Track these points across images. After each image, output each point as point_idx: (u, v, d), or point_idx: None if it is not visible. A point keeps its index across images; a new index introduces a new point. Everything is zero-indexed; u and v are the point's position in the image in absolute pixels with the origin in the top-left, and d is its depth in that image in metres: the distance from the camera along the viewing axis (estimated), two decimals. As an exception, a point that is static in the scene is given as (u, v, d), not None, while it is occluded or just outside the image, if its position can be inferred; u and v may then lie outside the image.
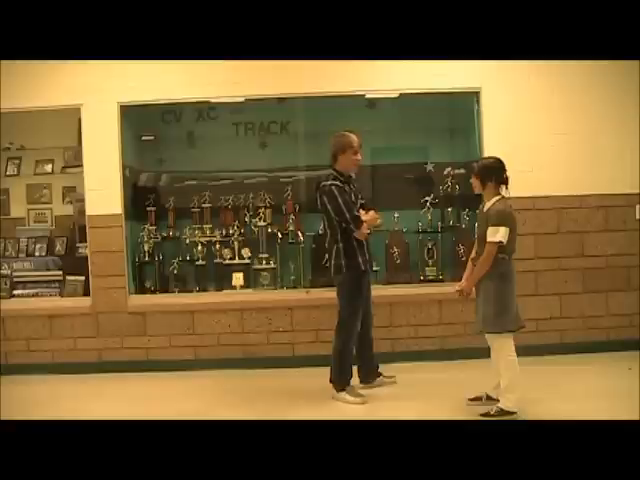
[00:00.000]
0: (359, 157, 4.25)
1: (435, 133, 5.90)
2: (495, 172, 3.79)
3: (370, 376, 4.46)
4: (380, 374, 4.52)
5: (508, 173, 3.80)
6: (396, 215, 5.54)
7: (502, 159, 3.83)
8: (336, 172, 4.23)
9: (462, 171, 5.60)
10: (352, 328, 4.23)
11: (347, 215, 4.11)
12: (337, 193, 4.12)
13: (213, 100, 5.48)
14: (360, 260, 4.19)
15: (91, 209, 5.19)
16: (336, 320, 4.26)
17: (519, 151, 4.96)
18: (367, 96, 5.46)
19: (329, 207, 4.15)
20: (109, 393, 4.63)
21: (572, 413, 3.55)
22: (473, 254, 3.95)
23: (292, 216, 5.64)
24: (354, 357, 4.37)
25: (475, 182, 3.86)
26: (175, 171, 5.96)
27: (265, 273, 5.56)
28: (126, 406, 4.26)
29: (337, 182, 4.17)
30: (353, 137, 4.24)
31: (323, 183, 4.21)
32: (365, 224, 4.16)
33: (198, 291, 5.55)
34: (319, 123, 5.50)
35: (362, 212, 4.22)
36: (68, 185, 5.77)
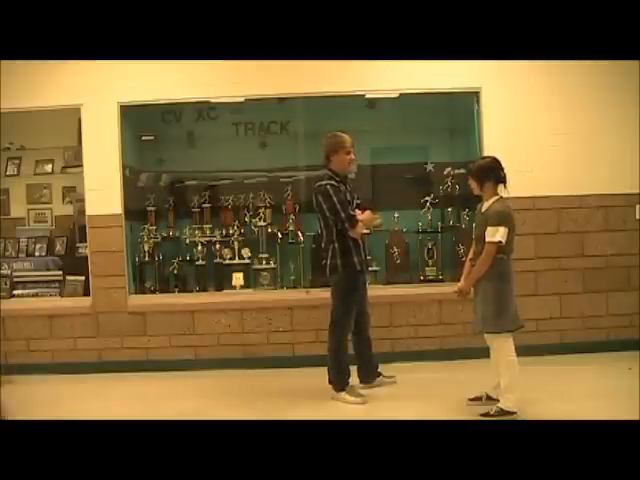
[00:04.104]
0: (352, 157, 4.25)
1: (435, 133, 5.90)
2: (493, 171, 3.78)
3: (370, 376, 4.46)
4: (380, 374, 4.52)
5: (506, 172, 3.79)
6: (396, 215, 5.54)
7: (498, 158, 3.83)
8: (331, 172, 4.24)
9: (462, 171, 5.59)
10: (346, 327, 4.24)
11: (342, 214, 4.11)
12: (332, 192, 4.13)
13: (213, 100, 5.49)
14: (356, 260, 4.19)
15: (91, 209, 5.19)
16: (329, 320, 4.26)
17: (519, 151, 4.97)
18: (367, 96, 5.47)
19: (324, 207, 4.15)
20: (109, 393, 4.63)
21: (572, 413, 3.55)
22: (471, 254, 3.95)
23: (292, 216, 5.64)
24: (353, 357, 4.38)
25: (473, 183, 3.85)
26: (175, 171, 5.96)
27: (265, 273, 5.56)
28: (126, 406, 4.26)
29: (332, 182, 4.18)
30: (345, 137, 4.25)
31: (319, 183, 4.22)
32: (361, 223, 4.17)
33: (198, 291, 5.55)
34: (319, 123, 5.49)
35: (358, 212, 4.23)
36: (68, 185, 5.78)
